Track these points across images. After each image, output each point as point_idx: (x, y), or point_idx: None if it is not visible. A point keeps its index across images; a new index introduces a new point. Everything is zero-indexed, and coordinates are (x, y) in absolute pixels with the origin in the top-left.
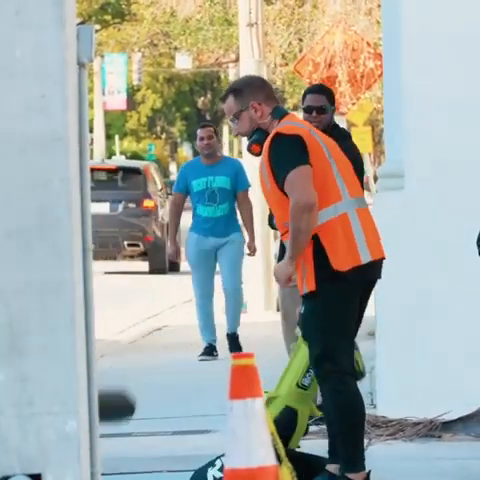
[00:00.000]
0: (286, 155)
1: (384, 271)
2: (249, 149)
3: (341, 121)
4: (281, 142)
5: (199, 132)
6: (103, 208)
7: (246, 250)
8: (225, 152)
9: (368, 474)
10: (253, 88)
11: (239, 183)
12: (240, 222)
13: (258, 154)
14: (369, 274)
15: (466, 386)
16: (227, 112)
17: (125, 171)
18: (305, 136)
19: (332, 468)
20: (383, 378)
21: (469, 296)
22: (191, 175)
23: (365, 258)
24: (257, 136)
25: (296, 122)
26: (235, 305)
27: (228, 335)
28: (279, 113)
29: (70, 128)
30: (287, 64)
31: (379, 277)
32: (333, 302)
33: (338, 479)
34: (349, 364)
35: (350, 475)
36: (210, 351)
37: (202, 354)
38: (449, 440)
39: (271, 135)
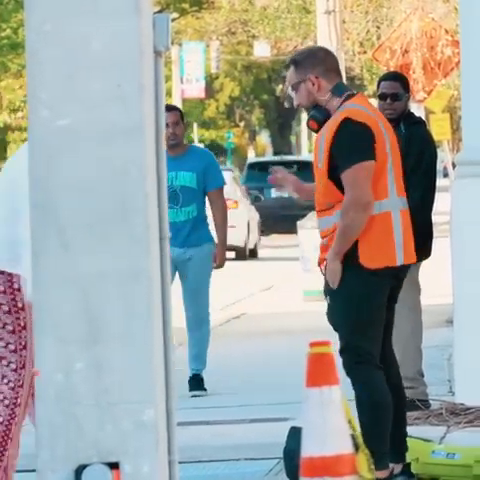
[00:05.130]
0: (353, 146)
1: (461, 258)
2: (308, 124)
3: (419, 108)
4: (350, 129)
5: None
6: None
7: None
8: (304, 139)
9: (397, 470)
10: (313, 60)
11: (210, 180)
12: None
13: (316, 130)
14: (400, 275)
15: None
16: (287, 82)
17: (303, 164)
18: (373, 126)
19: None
20: (461, 366)
21: None
22: None
23: (400, 260)
24: (315, 112)
25: (365, 107)
26: (200, 340)
27: (192, 378)
28: (340, 90)
29: (147, 117)
30: (365, 52)
31: (404, 278)
32: (359, 294)
33: None
34: (375, 357)
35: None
36: (197, 382)
37: (190, 389)
38: None
39: (340, 118)
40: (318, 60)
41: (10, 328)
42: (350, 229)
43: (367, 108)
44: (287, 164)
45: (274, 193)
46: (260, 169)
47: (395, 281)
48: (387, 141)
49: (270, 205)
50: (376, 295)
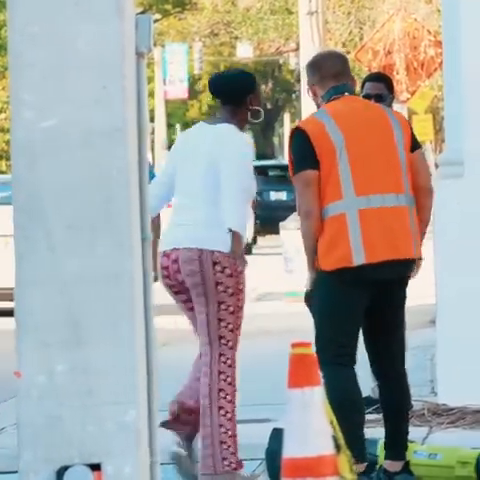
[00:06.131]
0: (294, 155)
1: (445, 259)
2: None
3: (402, 109)
4: (294, 137)
5: None
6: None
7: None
8: (286, 140)
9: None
10: (311, 68)
11: None
12: None
13: None
14: (375, 275)
15: None
16: None
17: None
18: (312, 131)
19: (386, 464)
20: (444, 366)
21: None
22: None
23: (358, 260)
24: None
25: (323, 113)
26: None
27: None
28: (328, 96)
29: (129, 118)
30: (348, 52)
31: (399, 276)
32: (323, 298)
33: None
34: (341, 356)
35: None
36: None
37: None
38: None
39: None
40: (315, 68)
41: (231, 310)
42: (303, 237)
43: (326, 112)
44: (284, 168)
45: (273, 196)
46: (257, 173)
47: (371, 282)
48: (338, 144)
49: (269, 207)
50: (337, 297)
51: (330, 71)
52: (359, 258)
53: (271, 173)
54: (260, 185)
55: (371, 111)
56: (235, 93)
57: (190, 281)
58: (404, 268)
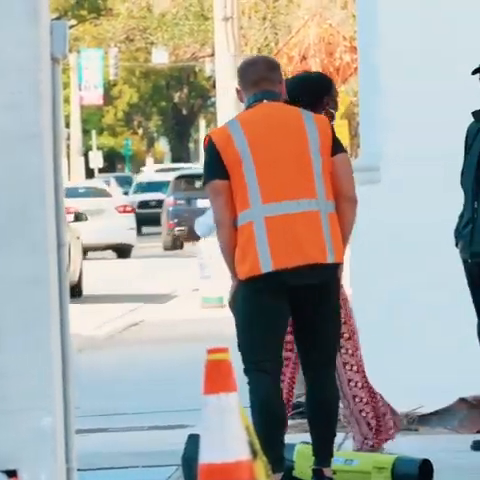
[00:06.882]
0: (204, 165)
1: (360, 265)
2: None
3: None
4: (206, 147)
5: None
6: None
7: None
8: (200, 145)
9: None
10: (239, 72)
11: None
12: None
13: None
14: (286, 281)
15: (441, 379)
16: None
17: None
18: (219, 142)
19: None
20: None
21: (445, 290)
22: None
23: (265, 268)
24: None
25: (233, 121)
26: None
27: None
28: (247, 103)
29: (44, 124)
30: None
31: (314, 281)
32: (241, 306)
33: None
34: (258, 363)
35: None
36: None
37: None
38: (426, 433)
39: None
40: (240, 72)
41: (342, 320)
42: (220, 247)
43: (236, 121)
44: None
45: (200, 203)
46: (186, 181)
47: (285, 288)
48: (243, 153)
49: (197, 214)
50: (253, 305)
51: (251, 78)
52: (266, 266)
53: (199, 181)
54: (188, 193)
55: (284, 116)
56: (313, 95)
57: None
58: (317, 273)
